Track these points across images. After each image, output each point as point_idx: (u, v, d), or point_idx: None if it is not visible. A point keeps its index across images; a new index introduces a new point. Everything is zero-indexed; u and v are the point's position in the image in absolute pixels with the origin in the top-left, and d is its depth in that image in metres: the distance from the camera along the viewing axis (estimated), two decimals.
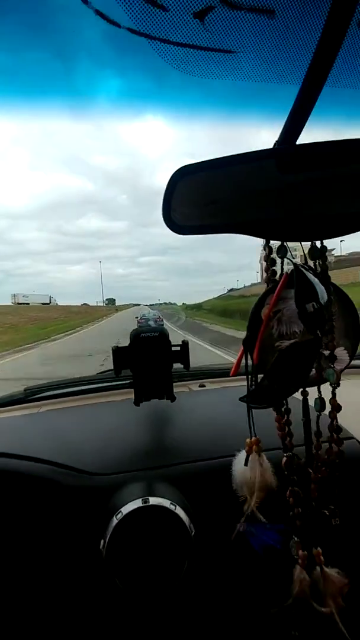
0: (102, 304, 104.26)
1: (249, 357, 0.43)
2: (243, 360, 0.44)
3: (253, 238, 0.38)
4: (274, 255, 0.43)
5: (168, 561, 0.47)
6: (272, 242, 0.42)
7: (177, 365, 0.72)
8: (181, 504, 0.49)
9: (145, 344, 0.65)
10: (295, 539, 0.44)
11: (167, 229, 0.36)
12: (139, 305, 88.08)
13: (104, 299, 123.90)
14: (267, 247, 0.42)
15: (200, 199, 0.37)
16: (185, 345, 0.69)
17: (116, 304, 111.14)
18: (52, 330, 18.07)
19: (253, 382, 0.43)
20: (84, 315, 36.85)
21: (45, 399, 0.93)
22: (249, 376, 0.43)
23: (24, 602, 0.51)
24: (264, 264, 0.44)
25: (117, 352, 0.68)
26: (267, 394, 0.42)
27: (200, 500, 0.52)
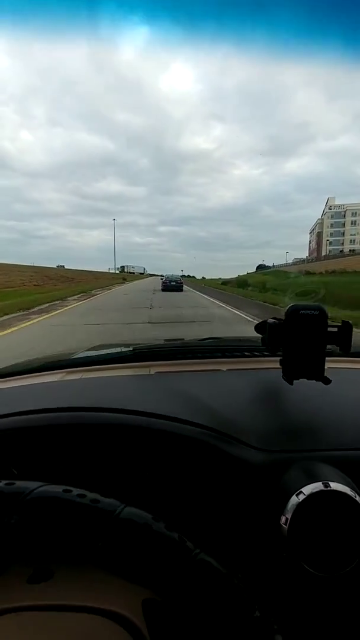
0: (115, 271, 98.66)
1: None
2: None
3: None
4: None
5: (347, 551, 0.45)
6: None
7: None
8: (358, 492, 0.46)
9: (303, 321, 0.59)
10: None
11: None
12: (157, 275, 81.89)
13: (117, 267, 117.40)
14: None
15: None
16: (346, 326, 0.61)
17: (127, 273, 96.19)
18: None
19: None
20: (69, 283, 29.66)
21: (152, 359, 0.90)
22: None
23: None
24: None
25: (274, 327, 0.61)
26: None
27: None
